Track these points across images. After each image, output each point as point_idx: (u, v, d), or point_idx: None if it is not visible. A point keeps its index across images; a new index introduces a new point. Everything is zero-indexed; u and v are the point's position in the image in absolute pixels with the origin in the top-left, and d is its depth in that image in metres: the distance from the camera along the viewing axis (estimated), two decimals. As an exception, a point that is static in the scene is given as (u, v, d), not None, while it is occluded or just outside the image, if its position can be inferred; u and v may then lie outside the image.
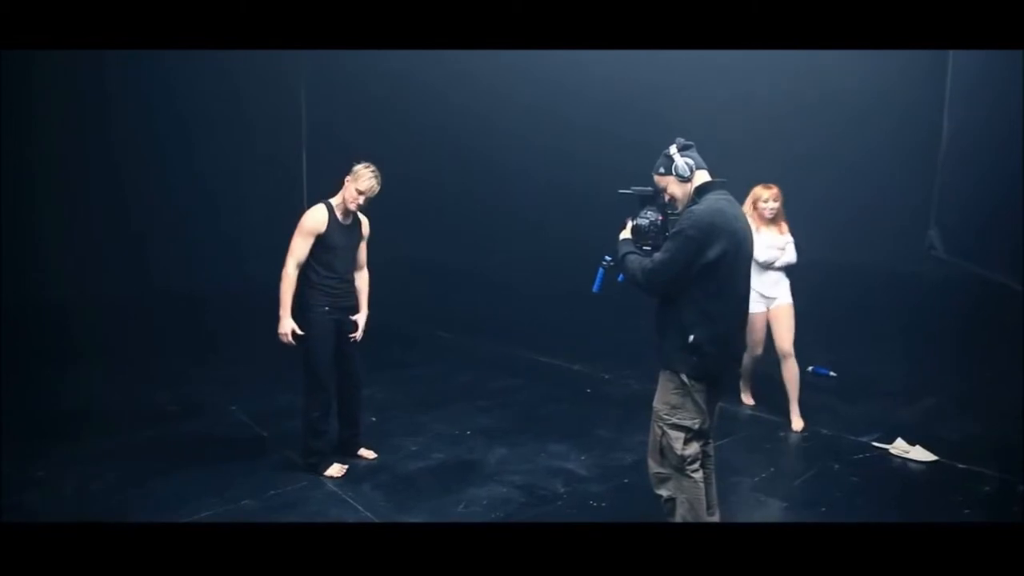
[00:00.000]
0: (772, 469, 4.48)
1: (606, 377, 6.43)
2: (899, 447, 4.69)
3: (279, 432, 4.88)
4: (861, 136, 7.40)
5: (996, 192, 5.31)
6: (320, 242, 4.10)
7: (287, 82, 9.70)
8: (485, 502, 4.01)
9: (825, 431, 5.05)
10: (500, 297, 9.30)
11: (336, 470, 4.29)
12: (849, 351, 6.80)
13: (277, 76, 9.38)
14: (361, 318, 4.40)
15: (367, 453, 4.58)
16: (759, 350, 5.30)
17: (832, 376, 6.39)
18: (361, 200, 4.10)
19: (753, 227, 4.11)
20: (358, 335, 4.38)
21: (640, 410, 3.77)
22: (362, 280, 4.44)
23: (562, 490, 4.19)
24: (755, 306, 4.76)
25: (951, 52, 4.87)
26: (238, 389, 5.76)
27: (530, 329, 8.10)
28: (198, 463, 4.45)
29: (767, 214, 5.01)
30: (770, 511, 3.94)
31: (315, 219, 4.10)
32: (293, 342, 4.12)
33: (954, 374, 6.00)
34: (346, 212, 4.18)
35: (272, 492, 4.07)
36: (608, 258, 3.23)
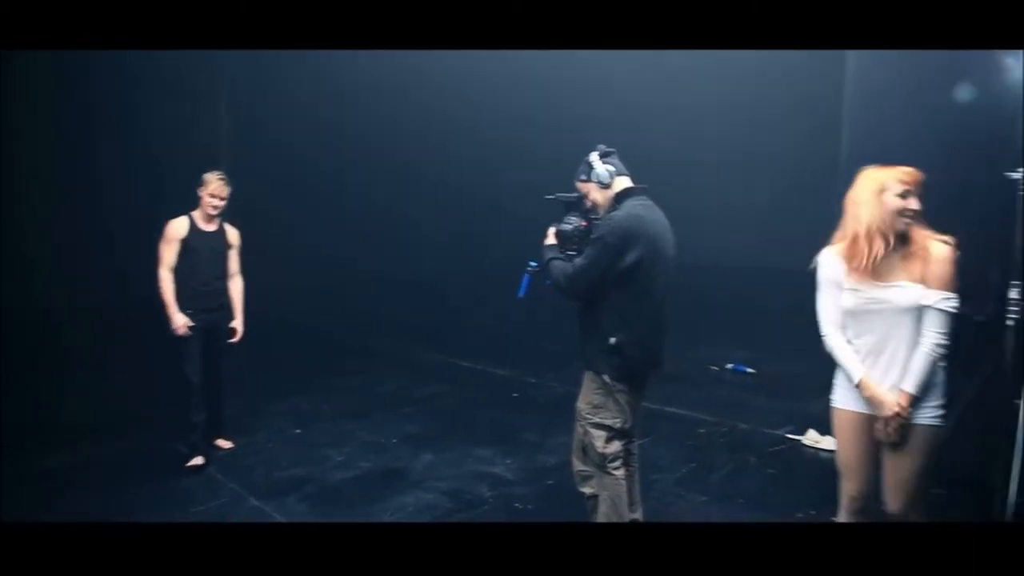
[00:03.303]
0: (692, 465, 4.61)
1: (531, 381, 6.50)
2: (811, 438, 4.90)
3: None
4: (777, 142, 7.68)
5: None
6: (183, 247, 4.46)
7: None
8: (411, 509, 4.01)
9: (743, 425, 5.24)
10: (425, 304, 9.28)
11: (197, 460, 4.51)
12: (767, 349, 7.05)
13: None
14: (237, 323, 4.64)
15: (224, 443, 4.88)
16: (854, 488, 2.71)
17: (751, 373, 6.62)
18: (215, 202, 4.45)
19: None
20: (236, 338, 4.62)
21: (564, 413, 3.82)
22: (235, 287, 4.72)
23: (488, 494, 4.22)
24: (847, 400, 2.72)
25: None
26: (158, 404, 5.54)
27: (455, 335, 8.12)
28: (115, 481, 4.30)
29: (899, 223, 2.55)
30: (690, 505, 4.06)
31: (174, 226, 4.47)
32: (189, 332, 4.42)
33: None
34: (207, 219, 4.51)
35: (195, 508, 3.98)
36: (533, 263, 3.28)
